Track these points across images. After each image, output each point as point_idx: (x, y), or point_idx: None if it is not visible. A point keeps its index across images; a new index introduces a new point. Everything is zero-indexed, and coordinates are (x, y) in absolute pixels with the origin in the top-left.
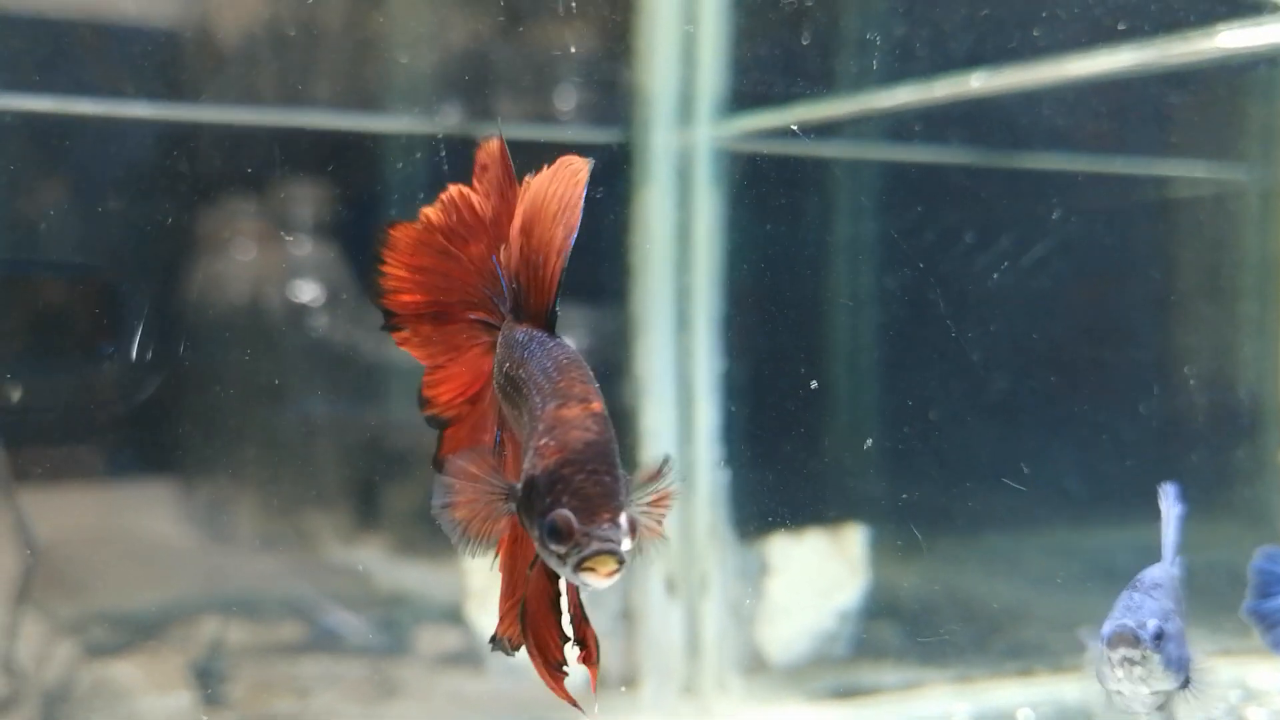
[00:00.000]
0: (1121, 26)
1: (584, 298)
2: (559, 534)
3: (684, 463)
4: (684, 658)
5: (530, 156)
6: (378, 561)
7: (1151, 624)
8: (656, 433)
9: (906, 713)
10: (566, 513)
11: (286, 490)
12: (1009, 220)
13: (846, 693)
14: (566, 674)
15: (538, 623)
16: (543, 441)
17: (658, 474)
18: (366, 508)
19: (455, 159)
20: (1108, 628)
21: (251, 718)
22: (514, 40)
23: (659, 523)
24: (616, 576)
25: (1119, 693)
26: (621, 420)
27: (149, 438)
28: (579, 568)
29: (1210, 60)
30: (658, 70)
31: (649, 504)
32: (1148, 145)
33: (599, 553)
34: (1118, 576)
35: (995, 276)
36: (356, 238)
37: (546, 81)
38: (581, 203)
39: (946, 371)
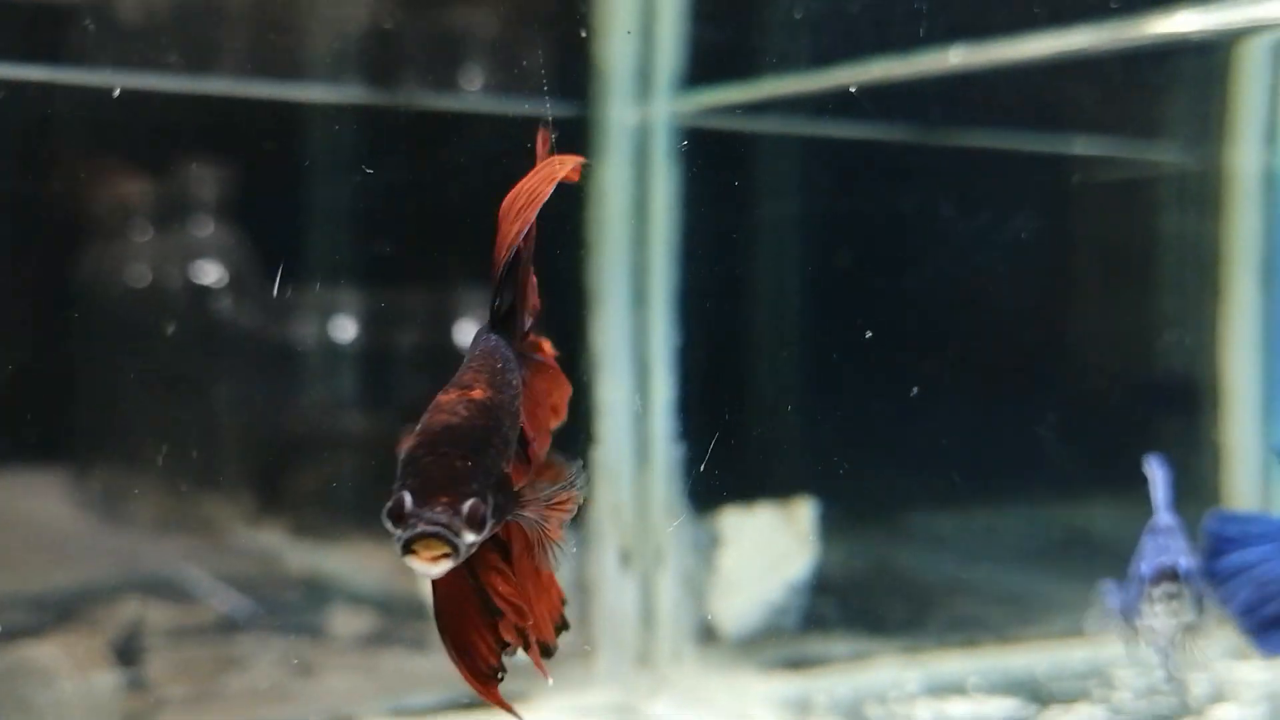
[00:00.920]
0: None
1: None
2: (393, 515)
3: (640, 436)
4: (639, 629)
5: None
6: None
7: (1184, 560)
8: (612, 407)
9: (857, 683)
10: (404, 493)
11: (188, 475)
12: (956, 199)
13: (797, 663)
14: (499, 679)
15: (458, 626)
16: (416, 427)
17: (561, 474)
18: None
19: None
20: (1148, 566)
21: (173, 697)
22: (470, 11)
23: (556, 526)
24: (442, 564)
25: (1151, 628)
26: (577, 394)
27: (39, 424)
28: (404, 551)
29: (1145, 45)
30: (615, 44)
31: (548, 506)
32: (1083, 125)
33: (421, 535)
34: (1048, 554)
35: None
36: (262, 217)
37: (504, 54)
38: (541, 202)
39: (892, 350)
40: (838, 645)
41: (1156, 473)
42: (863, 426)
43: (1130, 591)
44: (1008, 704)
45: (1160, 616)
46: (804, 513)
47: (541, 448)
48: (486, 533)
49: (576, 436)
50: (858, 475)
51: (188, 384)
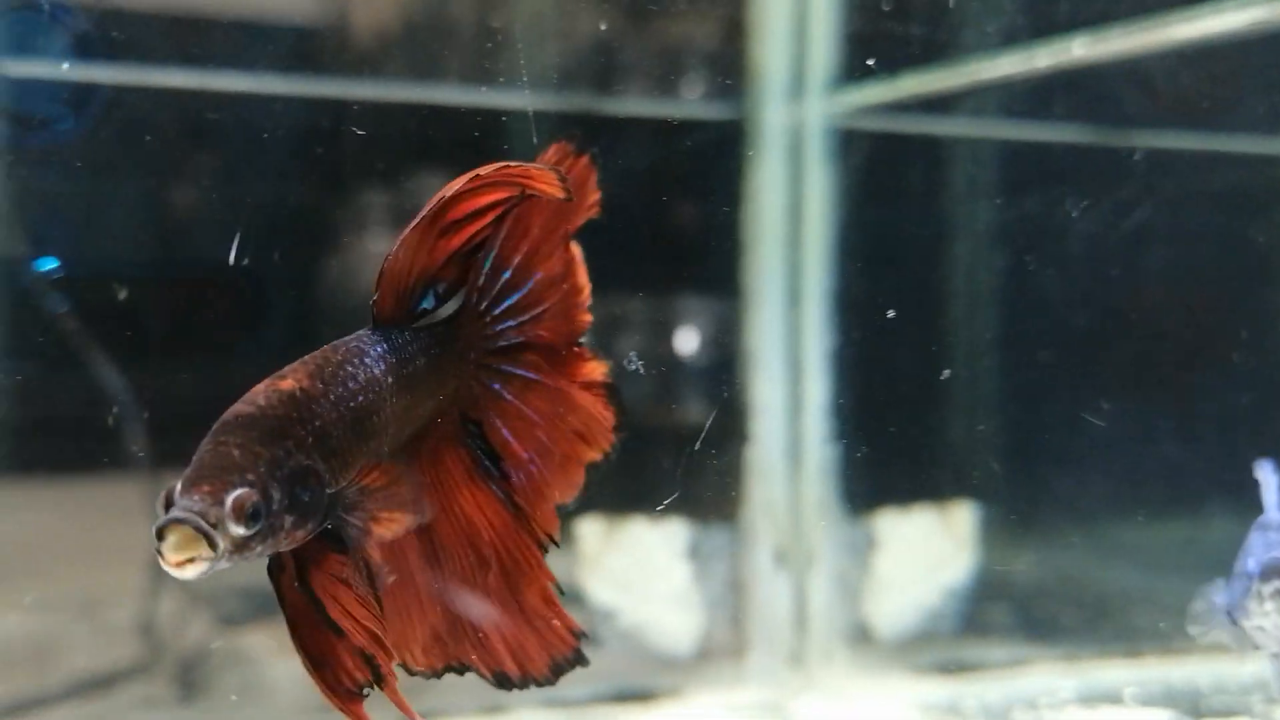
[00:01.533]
0: None
1: (695, 273)
2: (163, 505)
3: (793, 437)
4: (791, 628)
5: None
6: None
7: None
8: (766, 408)
9: (1010, 688)
10: (176, 483)
11: None
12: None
13: (952, 668)
14: (360, 696)
15: (312, 635)
16: None
17: (393, 480)
18: None
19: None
20: (1256, 563)
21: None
22: (628, 19)
23: (375, 539)
24: (193, 563)
25: (1261, 628)
26: (732, 395)
27: None
28: (157, 540)
29: None
30: (770, 45)
31: (373, 516)
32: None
33: (167, 522)
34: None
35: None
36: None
37: (660, 59)
38: (491, 197)
39: (1061, 354)
40: (994, 651)
41: (1270, 477)
42: (1030, 429)
43: (1237, 590)
44: (1162, 715)
45: (1271, 615)
46: (963, 516)
47: (547, 472)
48: (290, 534)
49: (730, 435)
50: (1024, 479)
51: None
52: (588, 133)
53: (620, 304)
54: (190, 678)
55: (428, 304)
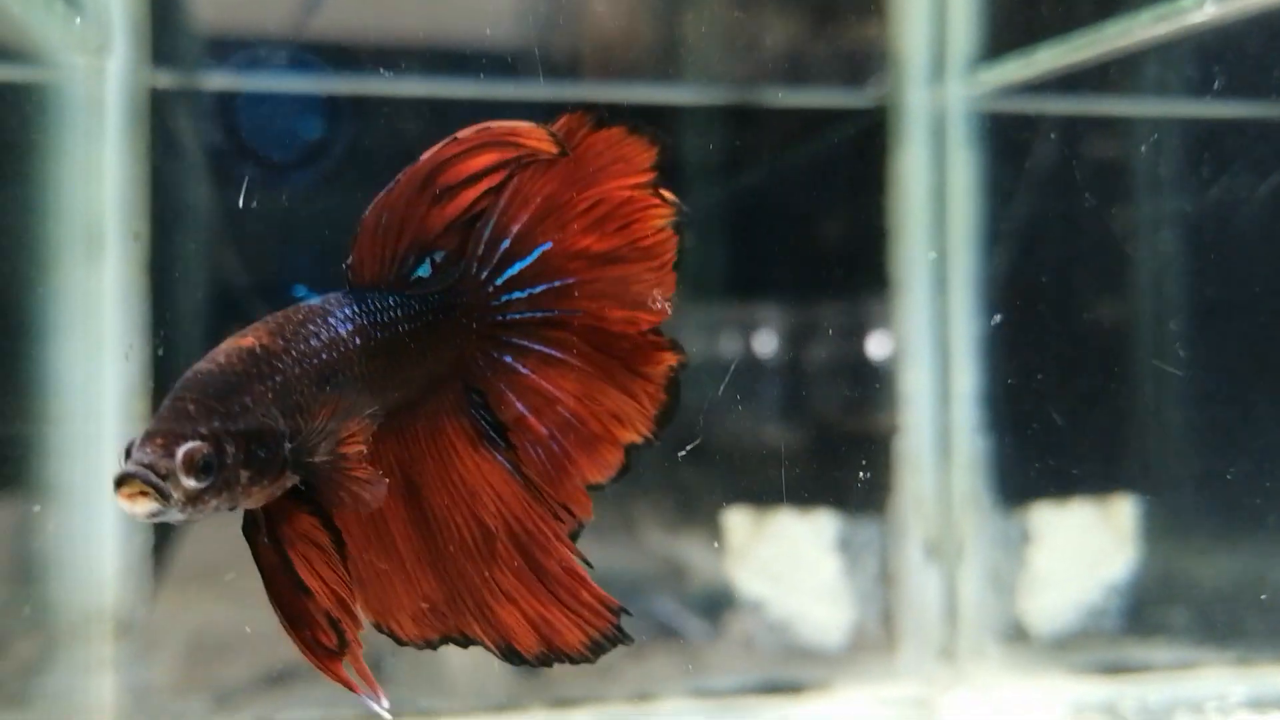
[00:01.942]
0: None
1: (840, 259)
2: (122, 456)
3: (942, 426)
4: (942, 623)
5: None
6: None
7: None
8: (914, 395)
9: (1174, 691)
10: (135, 436)
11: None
12: None
13: (1113, 668)
14: (337, 655)
15: (289, 597)
16: None
17: (355, 437)
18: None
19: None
20: None
21: (553, 674)
22: (769, 9)
23: (342, 499)
24: (143, 505)
25: None
26: (879, 382)
27: None
28: (116, 490)
29: None
30: (909, 27)
31: (340, 475)
32: None
33: (121, 475)
34: None
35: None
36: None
37: (802, 48)
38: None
39: (1232, 341)
40: (1159, 652)
41: None
42: (1200, 421)
43: None
44: None
45: None
46: (1125, 510)
47: (572, 450)
48: (247, 489)
49: (877, 426)
50: (1193, 473)
51: None
52: (732, 125)
53: (764, 294)
54: (382, 666)
55: (423, 271)
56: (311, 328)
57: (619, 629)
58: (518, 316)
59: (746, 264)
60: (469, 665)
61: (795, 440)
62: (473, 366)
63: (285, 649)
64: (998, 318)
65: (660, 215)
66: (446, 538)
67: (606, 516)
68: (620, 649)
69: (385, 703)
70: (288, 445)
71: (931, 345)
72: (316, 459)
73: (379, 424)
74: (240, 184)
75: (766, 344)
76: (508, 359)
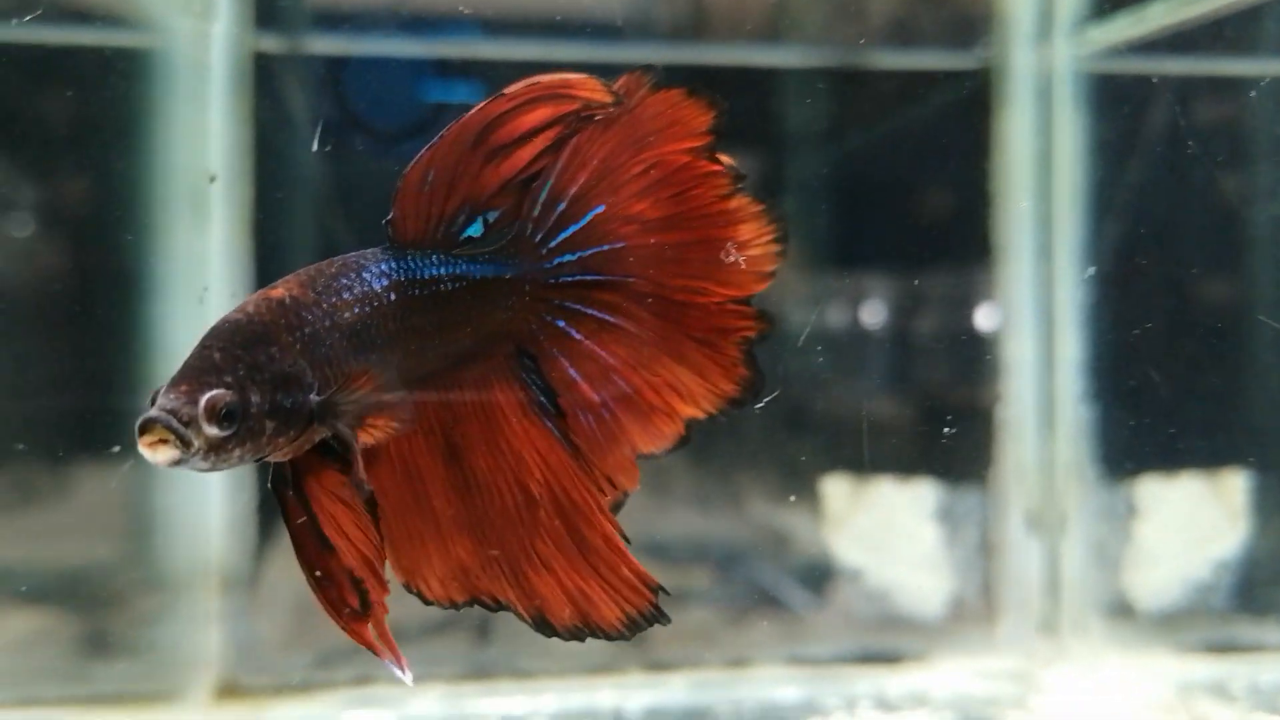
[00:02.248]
0: None
1: (942, 224)
2: (149, 402)
3: (1045, 395)
4: (1043, 596)
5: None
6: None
7: None
8: (1018, 364)
9: None
10: (164, 385)
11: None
12: None
13: (1222, 647)
14: (363, 617)
15: (317, 555)
16: None
17: (371, 383)
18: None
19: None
20: None
21: (655, 638)
22: None
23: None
24: (164, 452)
25: None
26: (981, 349)
27: None
28: (138, 434)
29: None
30: None
31: (364, 418)
32: None
33: (144, 420)
34: None
35: None
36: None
37: (905, 7)
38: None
39: None
40: (1272, 632)
41: None
42: None
43: None
44: None
45: None
46: (1236, 484)
47: (625, 420)
48: (272, 439)
49: (979, 394)
50: None
51: None
52: (836, 89)
53: (864, 260)
54: (487, 628)
55: (474, 231)
56: (345, 281)
57: (657, 608)
58: (570, 280)
59: (848, 229)
60: None
61: (896, 409)
62: (525, 330)
63: (393, 609)
64: (1091, 270)
65: (720, 183)
66: (487, 502)
67: (712, 486)
68: (722, 615)
69: (408, 673)
70: (315, 397)
71: (1035, 312)
72: (344, 410)
73: (422, 383)
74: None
75: (867, 312)
76: (561, 323)
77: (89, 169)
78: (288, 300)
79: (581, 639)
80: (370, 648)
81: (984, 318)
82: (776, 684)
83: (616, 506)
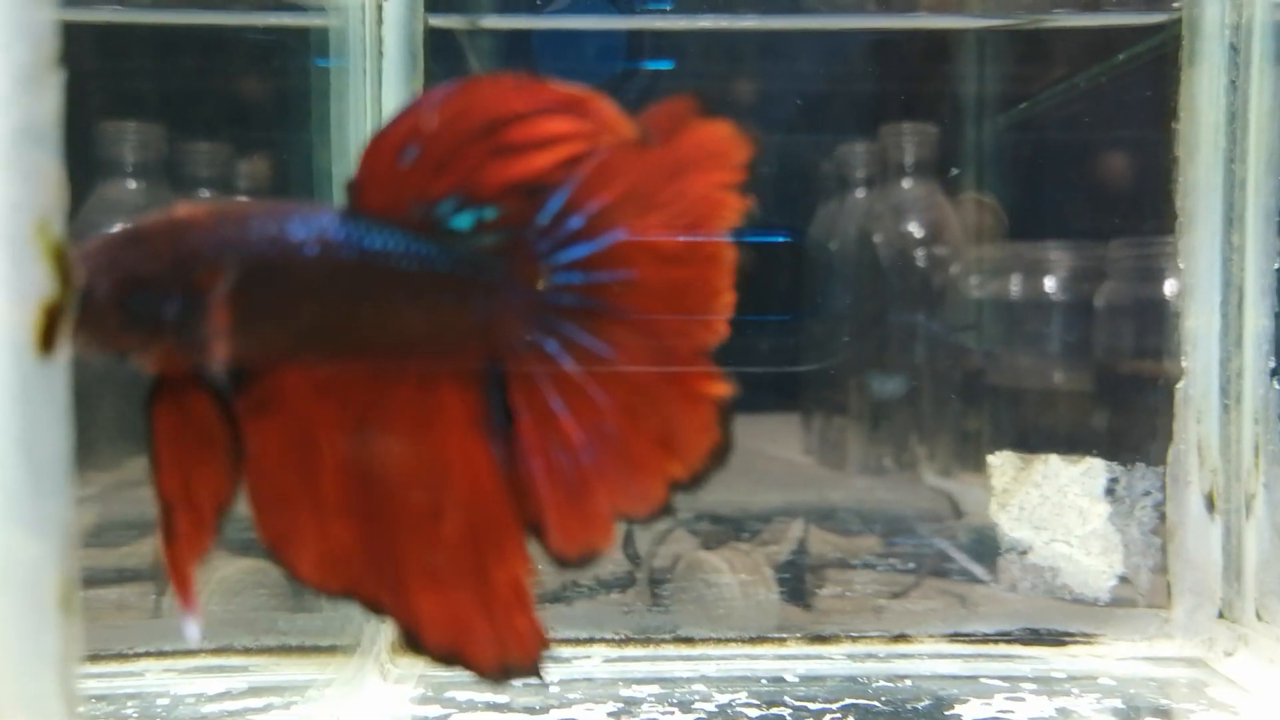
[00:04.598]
0: None
1: (1125, 189)
2: None
3: (1230, 371)
4: (1222, 581)
5: None
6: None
7: None
8: (1200, 336)
9: None
10: None
11: (890, 425)
12: None
13: None
14: (167, 545)
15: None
16: None
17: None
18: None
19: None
20: None
21: (820, 609)
22: None
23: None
24: None
25: None
26: (1162, 322)
27: (784, 382)
28: None
29: None
30: None
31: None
32: None
33: None
34: None
35: None
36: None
37: None
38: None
39: None
40: None
41: None
42: None
43: None
44: None
45: None
46: None
47: (606, 470)
48: (119, 337)
49: (1158, 369)
50: None
51: (893, 341)
52: (1019, 49)
53: (1043, 228)
54: (658, 590)
55: (462, 222)
56: (261, 223)
57: (536, 665)
58: (571, 303)
59: (1027, 196)
60: (738, 596)
61: (1070, 382)
62: (504, 342)
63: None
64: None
65: (728, 219)
66: (386, 498)
67: (887, 456)
68: (887, 587)
69: (194, 628)
70: (175, 307)
71: (1221, 283)
72: (203, 335)
73: (341, 351)
74: None
75: (1046, 282)
76: (551, 345)
77: (275, 146)
78: (182, 219)
79: (450, 665)
80: (175, 585)
81: (1167, 288)
82: (938, 660)
83: (586, 563)
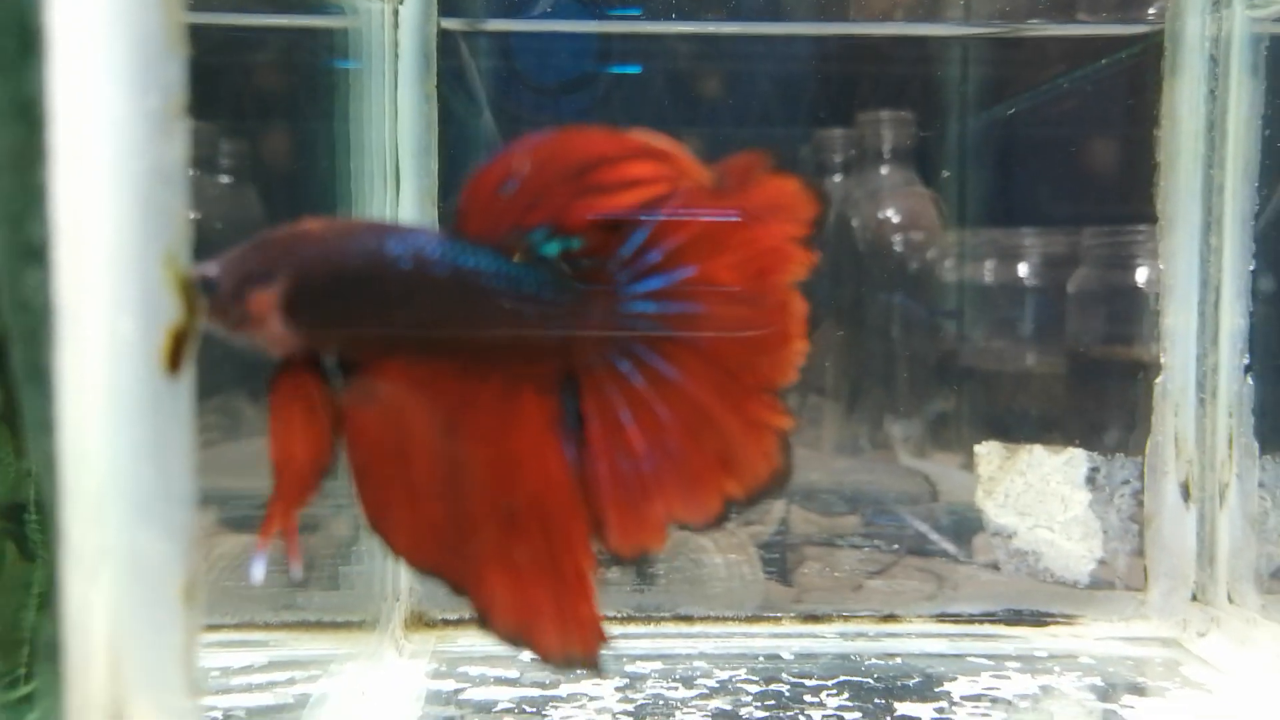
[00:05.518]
0: None
1: (1107, 192)
2: None
3: (1206, 368)
4: (1196, 567)
5: None
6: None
7: None
8: (1178, 333)
9: None
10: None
11: (868, 406)
12: None
13: None
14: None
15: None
16: None
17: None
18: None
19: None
20: None
21: (802, 585)
22: None
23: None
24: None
25: None
26: (1142, 319)
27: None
28: None
29: None
30: None
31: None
32: None
33: None
34: None
35: None
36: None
37: None
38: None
39: None
40: None
41: None
42: None
43: None
44: None
45: None
46: None
47: (665, 480)
48: (245, 323)
49: (1138, 363)
50: None
51: (871, 323)
52: (1002, 56)
53: (1028, 227)
54: (645, 569)
55: (550, 250)
56: (364, 239)
57: (595, 659)
58: (646, 328)
59: (1010, 197)
60: (725, 576)
61: (1053, 374)
62: (581, 358)
63: None
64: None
65: (795, 270)
66: (470, 489)
67: (864, 437)
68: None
69: (260, 568)
70: (283, 298)
71: (1198, 282)
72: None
73: (432, 355)
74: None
75: (1030, 278)
76: (625, 365)
77: (296, 142)
78: (300, 230)
79: (516, 648)
80: (276, 528)
81: (1146, 286)
82: (925, 639)
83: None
